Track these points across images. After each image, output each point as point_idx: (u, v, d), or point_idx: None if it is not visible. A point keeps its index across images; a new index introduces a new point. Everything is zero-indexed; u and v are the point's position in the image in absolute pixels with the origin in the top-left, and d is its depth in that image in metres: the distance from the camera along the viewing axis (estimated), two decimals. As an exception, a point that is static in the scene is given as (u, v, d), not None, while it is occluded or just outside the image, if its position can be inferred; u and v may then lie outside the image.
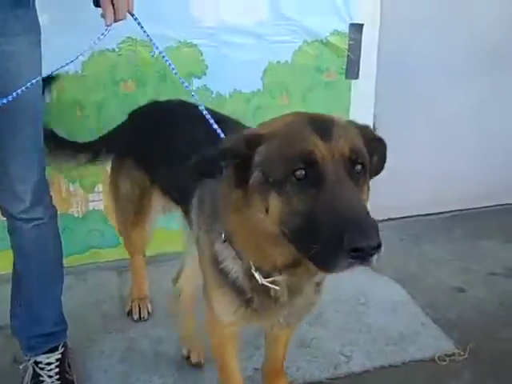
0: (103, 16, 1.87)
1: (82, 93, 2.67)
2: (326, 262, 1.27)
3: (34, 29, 1.89)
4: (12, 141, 1.88)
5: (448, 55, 3.31)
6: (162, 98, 2.50)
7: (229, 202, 1.46)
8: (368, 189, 1.47)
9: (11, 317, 2.24)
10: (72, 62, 1.82)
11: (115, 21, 1.88)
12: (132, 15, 1.95)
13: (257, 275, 1.54)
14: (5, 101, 1.69)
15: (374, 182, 3.22)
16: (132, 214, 2.39)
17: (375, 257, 1.27)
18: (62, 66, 1.79)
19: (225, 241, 1.57)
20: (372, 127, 3.11)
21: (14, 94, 1.70)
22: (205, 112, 1.83)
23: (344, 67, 3.04)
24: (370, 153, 1.49)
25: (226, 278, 1.63)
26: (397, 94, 3.22)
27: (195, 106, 1.96)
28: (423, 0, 3.20)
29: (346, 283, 2.92)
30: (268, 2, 2.83)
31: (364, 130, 1.53)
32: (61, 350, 2.22)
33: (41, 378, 2.15)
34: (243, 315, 1.69)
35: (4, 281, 2.47)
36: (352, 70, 3.04)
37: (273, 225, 1.36)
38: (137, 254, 2.61)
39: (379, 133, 3.14)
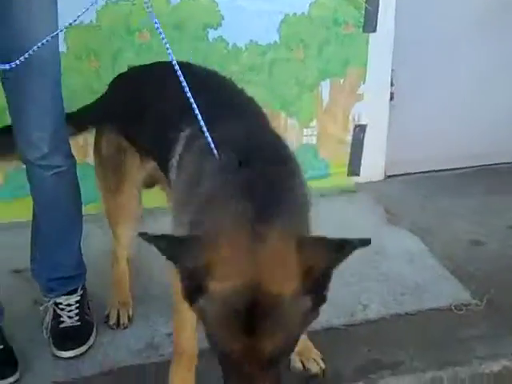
0: None
1: (96, 43, 2.68)
2: None
3: None
4: (28, 87, 1.90)
5: (468, 8, 3.25)
6: (177, 46, 2.46)
7: None
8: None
9: (31, 260, 2.29)
10: (85, 11, 1.78)
11: None
12: None
13: None
14: (22, 58, 1.67)
15: (392, 138, 3.26)
16: (115, 180, 2.24)
17: None
18: (75, 20, 1.73)
19: None
20: (390, 82, 3.17)
21: (31, 51, 1.67)
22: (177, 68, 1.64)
23: (362, 20, 3.01)
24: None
25: None
26: (415, 49, 3.17)
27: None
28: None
29: (362, 234, 2.92)
30: (285, -48, 2.80)
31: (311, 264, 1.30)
32: (80, 292, 2.26)
33: (61, 319, 2.20)
34: None
35: (22, 226, 2.48)
36: (370, 23, 3.02)
37: None
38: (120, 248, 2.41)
39: (398, 90, 3.20)
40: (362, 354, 2.25)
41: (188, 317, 1.82)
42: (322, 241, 1.34)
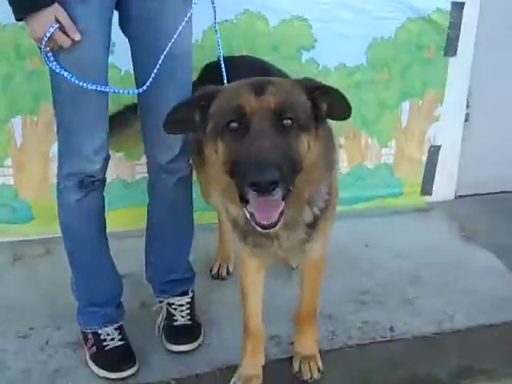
0: None
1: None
2: (241, 194, 1.57)
3: None
4: (167, 89, 2.01)
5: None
6: None
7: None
8: (313, 138, 1.66)
9: (146, 266, 2.42)
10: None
11: None
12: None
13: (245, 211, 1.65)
14: (148, 83, 1.88)
15: (465, 158, 3.37)
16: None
17: (276, 191, 1.49)
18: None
19: None
20: (466, 105, 3.28)
21: (155, 70, 1.89)
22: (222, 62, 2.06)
23: (443, 45, 3.15)
24: (314, 102, 1.69)
25: (233, 220, 1.87)
26: (492, 73, 3.31)
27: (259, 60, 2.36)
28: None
29: (440, 250, 3.07)
30: (375, -20, 2.97)
31: (304, 84, 1.71)
32: (190, 294, 2.41)
33: (174, 318, 2.34)
34: (252, 243, 1.88)
35: (124, 236, 2.73)
36: (451, 47, 3.16)
37: (220, 164, 1.64)
38: None
39: (472, 112, 3.32)
40: (454, 360, 2.36)
41: (252, 293, 2.13)
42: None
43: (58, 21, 1.76)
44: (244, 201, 1.58)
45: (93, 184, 2.01)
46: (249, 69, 2.22)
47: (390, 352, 2.39)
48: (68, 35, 1.78)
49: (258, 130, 1.55)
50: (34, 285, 2.65)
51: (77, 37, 1.79)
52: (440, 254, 3.03)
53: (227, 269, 2.79)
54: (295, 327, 2.30)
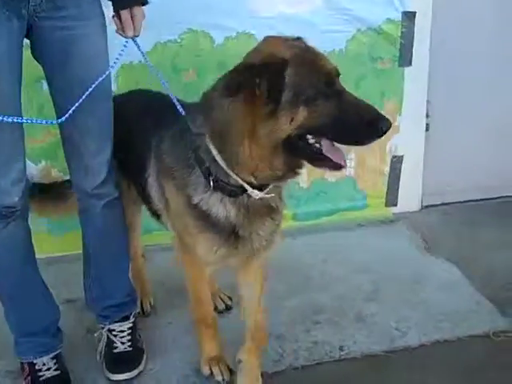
0: (120, 29, 2.01)
1: (145, 81, 2.81)
2: (362, 140, 1.75)
3: (102, 13, 2.01)
4: (91, 117, 2.01)
5: (502, 44, 3.33)
6: None
7: (245, 123, 1.70)
8: None
9: (85, 291, 2.41)
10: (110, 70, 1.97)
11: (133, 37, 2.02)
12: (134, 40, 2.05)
13: (255, 192, 1.82)
14: (71, 111, 1.86)
15: (428, 168, 3.33)
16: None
17: None
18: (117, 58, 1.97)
19: (214, 187, 1.83)
20: (426, 114, 3.24)
21: (77, 104, 1.87)
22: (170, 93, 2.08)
23: (397, 55, 3.11)
24: None
25: (207, 223, 1.89)
26: (450, 81, 3.27)
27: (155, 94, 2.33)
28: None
29: (401, 263, 3.02)
30: (321, -9, 2.94)
31: None
32: (132, 319, 2.37)
33: (115, 345, 2.30)
34: (223, 253, 1.95)
35: (74, 259, 2.67)
36: (405, 57, 3.12)
37: (293, 130, 1.69)
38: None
39: (432, 120, 3.28)
40: (403, 379, 2.31)
41: (200, 273, 2.14)
42: None
43: None
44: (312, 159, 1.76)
45: (13, 214, 1.98)
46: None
47: (338, 372, 2.34)
48: None
49: (347, 92, 1.74)
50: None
51: None
52: (400, 267, 2.98)
53: (149, 304, 2.68)
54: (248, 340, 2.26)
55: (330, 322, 2.60)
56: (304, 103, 1.67)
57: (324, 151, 1.76)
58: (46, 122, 1.95)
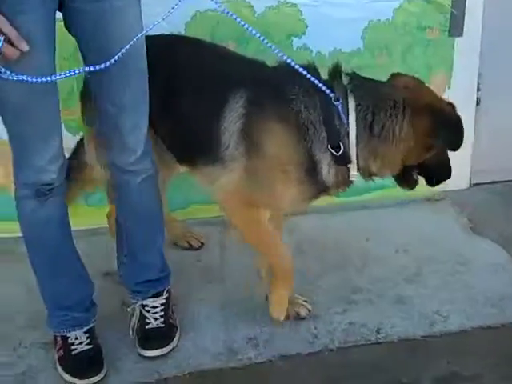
0: None
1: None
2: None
3: None
4: (124, 94, 1.96)
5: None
6: (262, 56, 2.55)
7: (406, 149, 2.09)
8: None
9: (118, 266, 2.39)
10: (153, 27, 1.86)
11: None
12: None
13: (355, 174, 2.14)
14: (115, 58, 1.79)
15: (478, 145, 3.17)
16: None
17: None
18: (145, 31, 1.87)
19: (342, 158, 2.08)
20: (477, 87, 3.07)
21: (123, 50, 1.79)
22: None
23: (447, 24, 2.94)
24: None
25: (309, 176, 2.10)
26: (503, 53, 3.09)
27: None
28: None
29: (445, 243, 2.90)
30: (369, -40, 2.80)
31: None
32: (165, 295, 2.35)
33: (147, 320, 2.29)
34: (306, 205, 2.29)
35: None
36: (456, 27, 2.94)
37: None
38: None
39: (484, 96, 3.11)
40: (441, 366, 2.24)
41: (273, 229, 2.27)
42: None
43: (2, 33, 1.68)
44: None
45: (50, 192, 1.97)
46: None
47: (373, 356, 2.28)
48: (15, 46, 1.70)
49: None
50: (17, 281, 2.61)
51: (25, 47, 1.71)
52: (444, 248, 2.86)
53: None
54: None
55: (368, 302, 2.53)
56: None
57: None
58: (90, 69, 1.81)
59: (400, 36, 2.93)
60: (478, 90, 3.16)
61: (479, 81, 3.14)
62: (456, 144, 2.17)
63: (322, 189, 2.15)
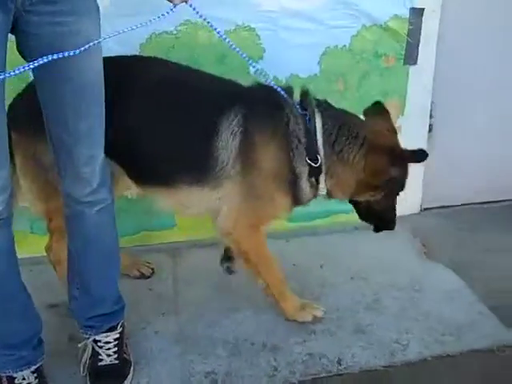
0: None
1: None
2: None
3: (97, 8, 1.87)
4: (80, 122, 1.86)
5: (510, 45, 3.21)
6: None
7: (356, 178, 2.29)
8: None
9: (69, 299, 2.25)
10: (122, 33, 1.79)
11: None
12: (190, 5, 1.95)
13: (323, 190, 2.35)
14: (87, 46, 1.69)
15: (430, 170, 3.21)
16: None
17: None
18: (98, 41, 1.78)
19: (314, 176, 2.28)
20: (429, 114, 3.11)
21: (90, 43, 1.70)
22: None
23: (403, 53, 2.97)
24: None
25: (293, 188, 2.26)
26: (456, 82, 3.14)
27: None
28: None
29: (400, 270, 2.90)
30: (327, -15, 2.80)
31: None
32: (119, 329, 2.23)
33: (100, 357, 2.17)
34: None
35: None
36: (411, 55, 2.98)
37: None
38: None
39: (436, 123, 3.16)
40: (403, 397, 2.21)
41: (262, 235, 2.36)
42: None
43: None
44: None
45: None
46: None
47: (335, 389, 2.24)
48: None
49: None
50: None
51: None
52: (399, 274, 2.86)
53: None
54: None
55: (328, 332, 2.48)
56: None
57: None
58: (63, 55, 1.65)
59: (356, 63, 2.94)
60: (431, 117, 3.20)
61: (432, 108, 3.18)
62: (398, 190, 2.43)
63: (300, 198, 2.32)
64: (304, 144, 2.22)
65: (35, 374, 2.06)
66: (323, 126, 2.25)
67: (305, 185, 2.28)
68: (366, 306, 2.65)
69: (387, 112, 2.43)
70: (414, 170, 3.19)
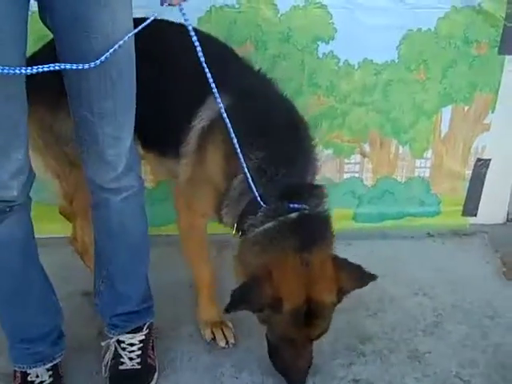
0: None
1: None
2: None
3: None
4: (105, 101, 1.66)
5: None
6: (283, 61, 2.47)
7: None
8: None
9: (95, 294, 2.10)
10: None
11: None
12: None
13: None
14: (103, 58, 1.51)
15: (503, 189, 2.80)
16: None
17: None
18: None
19: None
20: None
21: (111, 50, 1.52)
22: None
23: (498, 39, 2.56)
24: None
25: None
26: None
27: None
28: None
29: (472, 289, 2.56)
30: (413, -41, 2.45)
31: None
32: (145, 330, 2.07)
33: (121, 360, 2.01)
34: None
35: None
36: (508, 43, 2.57)
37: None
38: None
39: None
40: None
41: (200, 243, 2.24)
42: (352, 267, 1.95)
43: None
44: None
45: (11, 209, 1.68)
46: None
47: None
48: None
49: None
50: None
51: None
52: (470, 294, 2.52)
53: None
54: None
55: (378, 356, 2.21)
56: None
57: None
58: (72, 67, 1.51)
59: (442, 49, 2.57)
60: (529, 119, 2.79)
61: (528, 107, 2.77)
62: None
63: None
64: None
65: (50, 372, 1.93)
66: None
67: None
68: (425, 328, 2.35)
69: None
70: (502, 173, 2.89)
